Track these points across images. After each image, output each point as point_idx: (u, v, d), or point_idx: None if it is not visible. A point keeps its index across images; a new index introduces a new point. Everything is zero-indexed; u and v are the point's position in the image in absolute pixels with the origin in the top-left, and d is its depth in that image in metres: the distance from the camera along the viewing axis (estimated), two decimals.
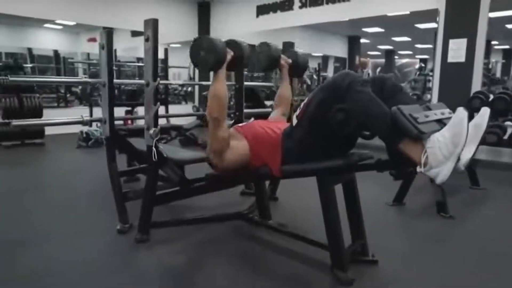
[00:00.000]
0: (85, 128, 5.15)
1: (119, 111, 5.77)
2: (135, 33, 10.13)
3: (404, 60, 15.93)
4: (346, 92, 1.47)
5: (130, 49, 12.24)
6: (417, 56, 12.91)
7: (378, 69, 12.39)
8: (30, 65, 8.81)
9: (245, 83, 3.13)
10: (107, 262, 1.92)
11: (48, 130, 5.46)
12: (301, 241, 2.00)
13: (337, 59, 12.95)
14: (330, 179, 1.71)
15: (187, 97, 9.40)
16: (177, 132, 4.96)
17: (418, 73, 10.10)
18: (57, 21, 8.05)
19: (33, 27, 10.01)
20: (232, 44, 1.96)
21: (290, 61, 2.37)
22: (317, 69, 9.00)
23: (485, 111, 1.48)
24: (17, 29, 9.60)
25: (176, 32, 8.55)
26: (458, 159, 1.43)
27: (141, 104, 6.26)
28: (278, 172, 1.79)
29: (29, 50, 9.78)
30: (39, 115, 5.28)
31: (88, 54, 10.77)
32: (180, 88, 9.23)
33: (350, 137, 1.70)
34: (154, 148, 1.90)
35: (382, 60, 15.23)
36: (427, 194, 2.99)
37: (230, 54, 1.88)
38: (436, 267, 1.91)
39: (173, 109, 6.48)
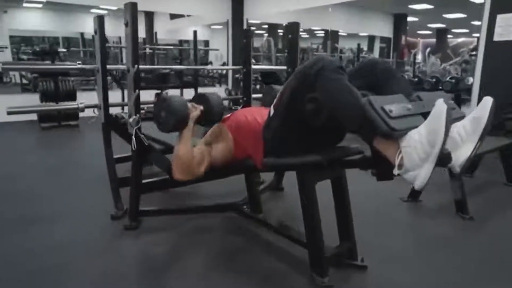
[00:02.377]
0: (115, 111, 5.29)
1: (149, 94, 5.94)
2: (173, 16, 10.23)
3: (460, 40, 14.66)
4: (316, 79, 1.29)
5: (169, 31, 12.43)
6: (474, 35, 11.81)
7: (428, 50, 11.50)
8: (64, 50, 9.24)
9: (256, 67, 2.99)
10: (90, 247, 1.93)
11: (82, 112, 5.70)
12: (287, 238, 1.87)
13: (383, 40, 12.21)
14: (310, 176, 1.55)
15: (221, 79, 9.37)
16: None
17: (470, 53, 9.22)
18: (101, 6, 8.37)
19: (83, 13, 10.47)
20: (200, 99, 1.88)
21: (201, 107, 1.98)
22: (357, 50, 8.46)
23: (487, 102, 1.24)
24: (70, 15, 10.16)
25: (212, 14, 8.49)
26: (449, 159, 1.23)
27: (171, 87, 6.28)
28: (260, 165, 1.67)
29: (81, 34, 10.22)
30: (73, 97, 5.51)
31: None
32: (213, 71, 9.23)
33: (334, 129, 1.52)
34: (133, 138, 1.85)
35: (434, 40, 14.15)
36: (449, 190, 2.70)
37: (198, 110, 1.81)
38: (438, 274, 1.71)
39: (205, 91, 6.46)
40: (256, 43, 9.23)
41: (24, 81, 7.36)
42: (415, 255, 1.91)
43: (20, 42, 13.67)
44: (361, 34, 12.34)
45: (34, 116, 5.56)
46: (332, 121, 1.30)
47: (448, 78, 4.25)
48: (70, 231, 2.09)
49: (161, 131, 1.76)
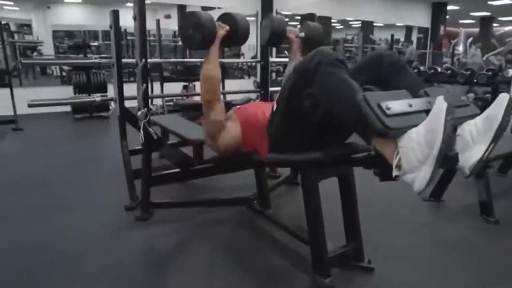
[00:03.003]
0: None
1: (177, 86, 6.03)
2: (204, 8, 10.28)
3: (507, 28, 13.72)
4: (314, 74, 1.23)
5: None
6: None
7: (470, 40, 10.86)
8: (96, 44, 9.51)
9: (274, 59, 2.94)
10: (101, 237, 1.98)
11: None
12: (294, 236, 1.83)
13: (421, 30, 11.67)
14: (313, 173, 1.50)
15: (250, 71, 9.34)
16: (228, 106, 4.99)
17: None
18: None
19: (119, 7, 10.76)
20: (227, 18, 1.81)
21: (302, 34, 2.11)
22: (390, 40, 8.13)
23: (503, 99, 1.13)
24: (108, 9, 10.54)
25: (242, 6, 8.44)
26: (455, 161, 1.14)
27: (198, 79, 6.35)
28: (265, 160, 1.64)
29: (125, 30, 10.57)
30: (104, 89, 5.70)
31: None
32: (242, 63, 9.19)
33: (338, 125, 1.46)
34: (142, 131, 1.87)
35: (477, 30, 13.34)
36: (476, 190, 2.54)
37: (224, 29, 1.74)
38: (448, 278, 1.61)
39: (233, 84, 6.42)
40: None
41: (64, 73, 7.70)
42: (427, 258, 1.81)
43: (63, 36, 14.33)
44: (398, 24, 11.86)
45: (69, 107, 5.82)
46: (329, 117, 1.24)
47: (484, 70, 3.97)
48: (85, 221, 2.16)
49: (189, 48, 1.73)
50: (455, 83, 4.26)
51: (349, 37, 14.16)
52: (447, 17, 11.34)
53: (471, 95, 4.52)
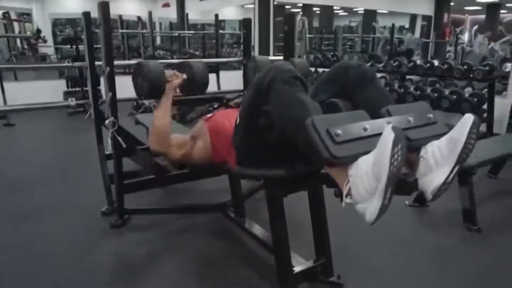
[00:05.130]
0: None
1: None
2: None
3: None
4: (268, 91, 1.17)
5: (202, 12, 12.37)
6: None
7: (475, 27, 10.58)
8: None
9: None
10: (72, 244, 1.96)
11: None
12: (264, 247, 1.79)
13: (425, 18, 11.38)
14: (277, 189, 1.45)
15: None
16: (219, 103, 4.93)
17: None
18: None
19: None
20: (184, 66, 1.85)
21: (184, 76, 1.86)
22: (391, 29, 7.91)
23: (467, 120, 1.06)
24: None
25: None
26: (414, 188, 1.08)
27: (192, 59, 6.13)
28: (233, 173, 1.59)
29: (120, 16, 10.53)
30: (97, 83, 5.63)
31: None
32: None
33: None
34: (110, 140, 1.82)
35: (483, 17, 12.98)
36: None
37: (181, 78, 1.79)
38: None
39: (227, 75, 6.27)
40: None
41: None
42: (405, 272, 1.77)
43: (65, 23, 14.25)
44: (402, 12, 11.58)
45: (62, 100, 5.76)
46: (284, 138, 1.17)
47: (481, 66, 3.84)
48: (60, 225, 2.14)
49: (138, 97, 1.76)
50: (451, 77, 4.14)
51: (353, 24, 13.87)
52: (452, 4, 11.04)
53: (468, 89, 4.39)
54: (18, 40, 13.35)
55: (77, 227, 2.12)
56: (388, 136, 0.89)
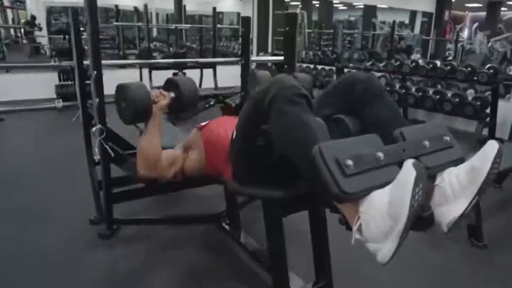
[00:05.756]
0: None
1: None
2: None
3: None
4: (268, 110, 1.05)
5: (200, 3, 12.17)
6: None
7: (475, 25, 10.47)
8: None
9: (256, 58, 2.73)
10: (56, 256, 1.85)
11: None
12: (259, 264, 1.69)
13: (425, 14, 11.25)
14: (276, 210, 1.34)
15: None
16: (216, 99, 4.80)
17: None
18: None
19: None
20: (171, 84, 1.70)
21: (172, 95, 1.73)
22: (392, 26, 7.74)
23: (490, 149, 0.95)
24: None
25: None
26: (430, 223, 0.97)
27: (188, 67, 5.97)
28: (229, 188, 1.48)
29: (116, 6, 10.37)
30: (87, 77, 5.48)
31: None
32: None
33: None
34: (96, 149, 1.69)
35: (483, 14, 12.86)
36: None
37: (168, 98, 1.65)
38: None
39: (224, 70, 6.10)
40: None
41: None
42: None
43: (60, 11, 13.97)
44: (403, 8, 11.43)
45: (53, 94, 5.59)
46: (285, 161, 1.06)
47: (485, 69, 3.73)
48: (46, 233, 2.03)
49: (124, 123, 1.62)
50: (454, 79, 4.04)
51: (353, 19, 13.70)
52: (453, 0, 10.90)
53: (470, 91, 4.29)
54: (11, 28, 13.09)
55: (62, 238, 2.00)
56: (409, 175, 0.78)
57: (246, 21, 2.54)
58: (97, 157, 2.08)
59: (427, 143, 1.02)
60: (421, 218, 0.94)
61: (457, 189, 0.98)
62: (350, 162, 0.85)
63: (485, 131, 3.81)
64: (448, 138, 1.09)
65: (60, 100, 2.10)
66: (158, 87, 1.82)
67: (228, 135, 1.47)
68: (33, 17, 10.23)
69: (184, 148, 1.70)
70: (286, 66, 2.35)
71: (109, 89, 1.73)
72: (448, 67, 3.99)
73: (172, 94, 1.66)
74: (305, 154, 0.91)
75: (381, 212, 0.82)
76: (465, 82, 3.99)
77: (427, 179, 0.86)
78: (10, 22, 13.59)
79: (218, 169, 1.54)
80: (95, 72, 1.63)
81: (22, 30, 10.90)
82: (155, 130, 1.57)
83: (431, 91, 4.18)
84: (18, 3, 13.36)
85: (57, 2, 12.86)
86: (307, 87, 1.99)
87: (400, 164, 0.95)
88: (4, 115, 4.45)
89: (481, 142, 3.83)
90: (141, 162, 1.57)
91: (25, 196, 2.47)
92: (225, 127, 1.56)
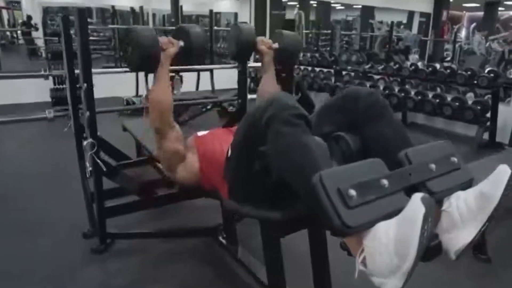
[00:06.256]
0: (126, 96, 5.18)
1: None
2: None
3: None
4: (265, 131, 0.99)
5: (198, 4, 12.10)
6: None
7: (473, 25, 10.45)
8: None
9: (253, 64, 2.67)
10: (47, 272, 1.79)
11: (99, 94, 5.58)
12: (256, 281, 1.63)
13: (423, 14, 11.20)
14: (274, 230, 1.28)
15: None
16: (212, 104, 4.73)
17: None
18: None
19: None
20: (180, 32, 1.60)
21: (275, 45, 1.84)
22: (390, 28, 7.67)
23: (502, 174, 0.90)
24: None
25: None
26: (438, 252, 0.92)
27: (185, 70, 5.90)
28: (224, 206, 1.42)
29: (113, 7, 10.33)
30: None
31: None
32: None
33: None
34: (87, 164, 1.63)
35: (481, 14, 12.83)
36: None
37: (177, 46, 1.54)
38: None
39: (222, 73, 6.01)
40: (289, 15, 8.69)
41: None
42: None
43: (57, 11, 13.90)
44: (400, 8, 11.37)
45: (48, 98, 5.51)
46: (284, 183, 1.00)
47: (485, 72, 3.69)
48: (36, 248, 1.96)
49: (130, 70, 1.55)
50: (454, 83, 4.00)
51: (350, 19, 13.64)
52: (451, 0, 10.86)
53: (469, 94, 4.25)
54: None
55: (54, 252, 1.94)
56: (417, 211, 0.73)
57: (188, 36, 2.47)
58: (89, 169, 2.02)
59: (433, 166, 0.97)
60: (428, 248, 0.89)
61: (466, 214, 0.93)
62: (353, 193, 0.80)
63: (486, 135, 3.78)
64: (455, 159, 1.04)
65: (52, 110, 2.01)
66: None
67: (223, 151, 1.41)
68: (29, 17, 10.12)
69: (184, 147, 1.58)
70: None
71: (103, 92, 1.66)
72: (448, 71, 3.95)
73: (181, 43, 1.56)
74: (304, 180, 0.85)
75: (387, 247, 0.77)
76: (465, 86, 3.94)
77: (434, 207, 0.80)
78: (5, 22, 13.51)
79: (214, 185, 1.48)
80: (85, 84, 1.56)
81: (19, 31, 10.78)
82: (164, 79, 1.48)
83: (430, 95, 4.13)
84: (14, 4, 13.27)
85: (53, 2, 12.78)
86: (296, 46, 1.91)
87: (406, 190, 0.90)
88: None
89: (482, 147, 3.80)
90: (154, 113, 1.47)
91: (14, 209, 2.40)
92: (221, 141, 1.50)
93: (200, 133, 1.65)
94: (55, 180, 2.88)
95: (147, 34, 1.40)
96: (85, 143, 1.65)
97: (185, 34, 1.57)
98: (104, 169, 1.68)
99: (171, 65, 1.55)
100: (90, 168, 1.71)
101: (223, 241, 1.95)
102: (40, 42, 10.24)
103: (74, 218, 2.21)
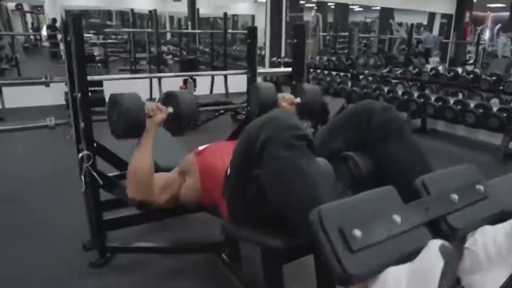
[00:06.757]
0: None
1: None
2: None
3: None
4: (260, 153, 0.88)
5: (216, 7, 12.12)
6: None
7: (498, 26, 10.04)
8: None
9: (262, 70, 2.57)
10: (44, 284, 1.74)
11: None
12: None
13: (444, 15, 10.86)
14: (276, 257, 1.17)
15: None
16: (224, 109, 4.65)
17: None
18: None
19: None
20: (170, 98, 1.57)
21: (297, 100, 1.80)
22: (410, 30, 7.45)
23: None
24: None
25: None
26: None
27: (198, 74, 5.91)
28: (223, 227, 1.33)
29: (131, 10, 10.50)
30: (99, 84, 5.40)
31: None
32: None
33: None
34: (82, 177, 1.55)
35: (507, 14, 12.35)
36: None
37: (164, 112, 1.50)
38: None
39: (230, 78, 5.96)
40: (306, 17, 8.56)
41: None
42: None
43: (78, 15, 14.33)
44: (421, 10, 11.06)
45: (63, 101, 5.54)
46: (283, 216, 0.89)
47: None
48: (27, 262, 1.89)
49: (115, 137, 1.49)
50: (477, 89, 3.79)
51: (369, 21, 13.39)
52: (474, 0, 10.48)
53: (494, 100, 4.02)
54: (30, 32, 13.35)
55: (51, 265, 1.88)
56: (434, 264, 0.60)
57: (251, 31, 2.37)
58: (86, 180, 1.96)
59: (455, 196, 0.83)
60: None
61: (493, 254, 0.79)
62: (358, 233, 0.67)
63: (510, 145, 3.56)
64: (481, 187, 0.90)
65: (53, 118, 1.96)
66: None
67: (225, 165, 1.31)
68: (54, 20, 10.34)
69: (180, 171, 1.56)
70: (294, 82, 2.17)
71: None
72: (471, 76, 3.74)
73: (170, 109, 1.53)
74: (301, 215, 0.74)
75: None
76: (490, 92, 3.72)
77: (453, 255, 0.68)
78: (29, 26, 13.94)
79: (214, 200, 1.40)
80: (79, 94, 1.49)
81: (45, 33, 11.11)
82: (145, 147, 1.43)
83: (452, 101, 3.92)
84: (38, 9, 13.67)
85: (74, 6, 13.09)
86: (317, 102, 1.84)
87: (422, 227, 0.77)
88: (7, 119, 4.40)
89: (508, 157, 3.57)
90: (131, 185, 1.45)
91: (11, 216, 2.35)
92: (222, 155, 1.42)
93: (201, 148, 1.56)
94: (58, 180, 2.86)
95: (132, 102, 1.38)
96: (80, 155, 1.57)
97: (175, 101, 1.54)
98: (101, 182, 1.60)
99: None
100: (87, 180, 1.63)
101: (226, 258, 1.84)
102: (62, 45, 10.42)
103: (75, 225, 2.12)
